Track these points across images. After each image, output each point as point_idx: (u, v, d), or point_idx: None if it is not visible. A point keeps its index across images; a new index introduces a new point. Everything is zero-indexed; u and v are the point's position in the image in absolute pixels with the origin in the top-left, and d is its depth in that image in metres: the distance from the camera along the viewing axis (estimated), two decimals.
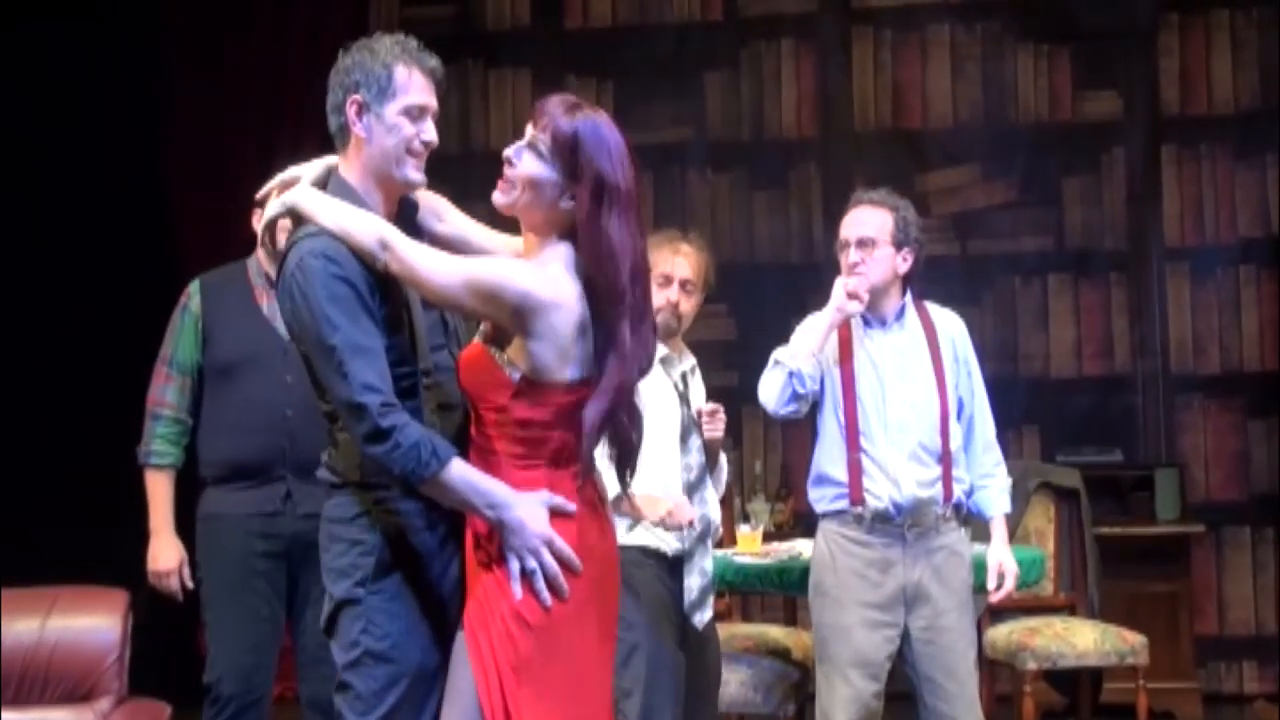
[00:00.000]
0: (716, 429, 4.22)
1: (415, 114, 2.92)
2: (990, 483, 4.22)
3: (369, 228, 2.79)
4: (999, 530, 4.23)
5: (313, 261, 2.78)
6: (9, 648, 3.89)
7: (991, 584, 4.17)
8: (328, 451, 2.96)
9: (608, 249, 2.77)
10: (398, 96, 2.91)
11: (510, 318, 2.75)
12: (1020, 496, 5.82)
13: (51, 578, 4.14)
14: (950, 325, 4.23)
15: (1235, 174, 7.11)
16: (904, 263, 4.14)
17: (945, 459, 4.07)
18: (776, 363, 4.08)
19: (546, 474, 2.82)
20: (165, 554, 4.17)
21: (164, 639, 4.28)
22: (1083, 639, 5.33)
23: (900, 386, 4.08)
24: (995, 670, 5.65)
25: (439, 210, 3.10)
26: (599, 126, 2.82)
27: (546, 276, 2.77)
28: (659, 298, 4.10)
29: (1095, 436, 6.96)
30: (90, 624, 4.00)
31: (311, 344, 2.80)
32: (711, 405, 4.24)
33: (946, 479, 4.06)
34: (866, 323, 4.14)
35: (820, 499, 4.15)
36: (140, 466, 4.20)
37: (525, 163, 2.81)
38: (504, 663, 2.75)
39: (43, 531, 5.88)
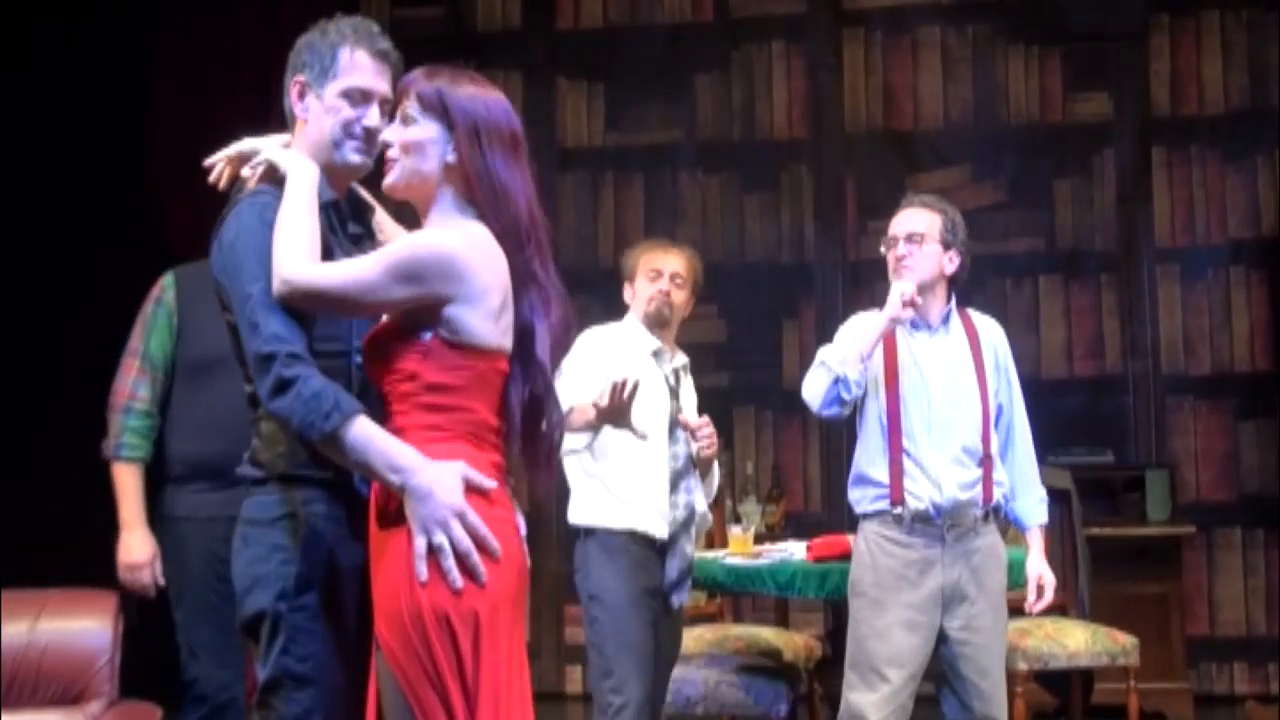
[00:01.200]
0: (711, 446, 4.32)
1: (356, 98, 2.81)
2: (1031, 492, 4.28)
3: (286, 247, 2.64)
4: (1036, 541, 4.29)
5: (249, 214, 2.73)
6: None
7: (1031, 597, 4.23)
8: (251, 446, 2.84)
9: (499, 186, 2.68)
10: (339, 78, 2.82)
11: (440, 286, 2.59)
12: None
13: (42, 580, 4.13)
14: (992, 332, 4.26)
15: (1225, 175, 7.12)
16: (950, 264, 4.17)
17: (986, 462, 4.12)
18: (823, 364, 4.10)
19: (468, 451, 2.62)
20: (138, 547, 4.14)
21: (155, 641, 4.26)
22: (1074, 640, 5.34)
23: (944, 390, 4.11)
24: None
25: (382, 224, 3.03)
26: (460, 80, 2.74)
27: (467, 234, 2.65)
28: (650, 289, 4.34)
29: (1086, 437, 6.96)
30: (81, 626, 3.99)
31: (232, 295, 2.72)
32: (699, 421, 4.33)
33: (987, 481, 4.11)
34: (913, 325, 4.16)
35: (860, 499, 4.17)
36: (107, 460, 4.16)
37: (401, 133, 2.72)
38: (428, 673, 2.52)
39: (33, 533, 5.86)
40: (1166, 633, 6.44)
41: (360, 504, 2.71)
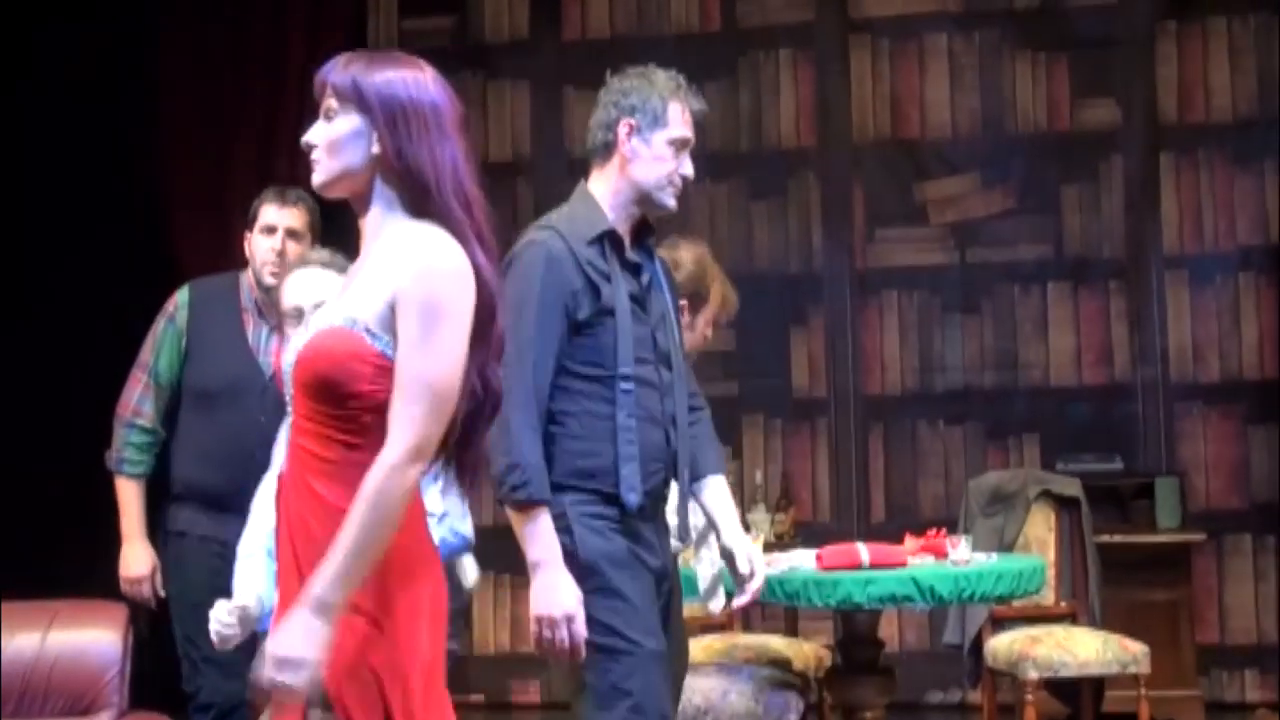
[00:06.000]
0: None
1: (679, 146, 3.21)
2: None
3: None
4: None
5: (531, 252, 3.05)
6: (9, 662, 3.89)
7: None
8: None
9: (419, 169, 2.44)
10: (668, 128, 3.20)
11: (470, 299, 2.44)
12: (1021, 505, 5.84)
13: (52, 591, 4.14)
14: None
15: (1234, 182, 7.11)
16: None
17: None
18: None
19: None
20: (137, 561, 4.19)
21: (165, 653, 4.27)
22: (1084, 648, 5.32)
23: None
24: (997, 679, 5.64)
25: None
26: (378, 63, 2.52)
27: (438, 237, 2.43)
28: None
29: (1095, 445, 6.95)
30: (91, 638, 4.00)
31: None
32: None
33: None
34: None
35: None
36: (110, 471, 4.21)
37: (322, 131, 2.51)
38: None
39: (43, 545, 5.87)
40: (1177, 640, 6.42)
41: (619, 504, 3.09)
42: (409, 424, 2.31)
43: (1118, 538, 6.48)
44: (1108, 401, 7.14)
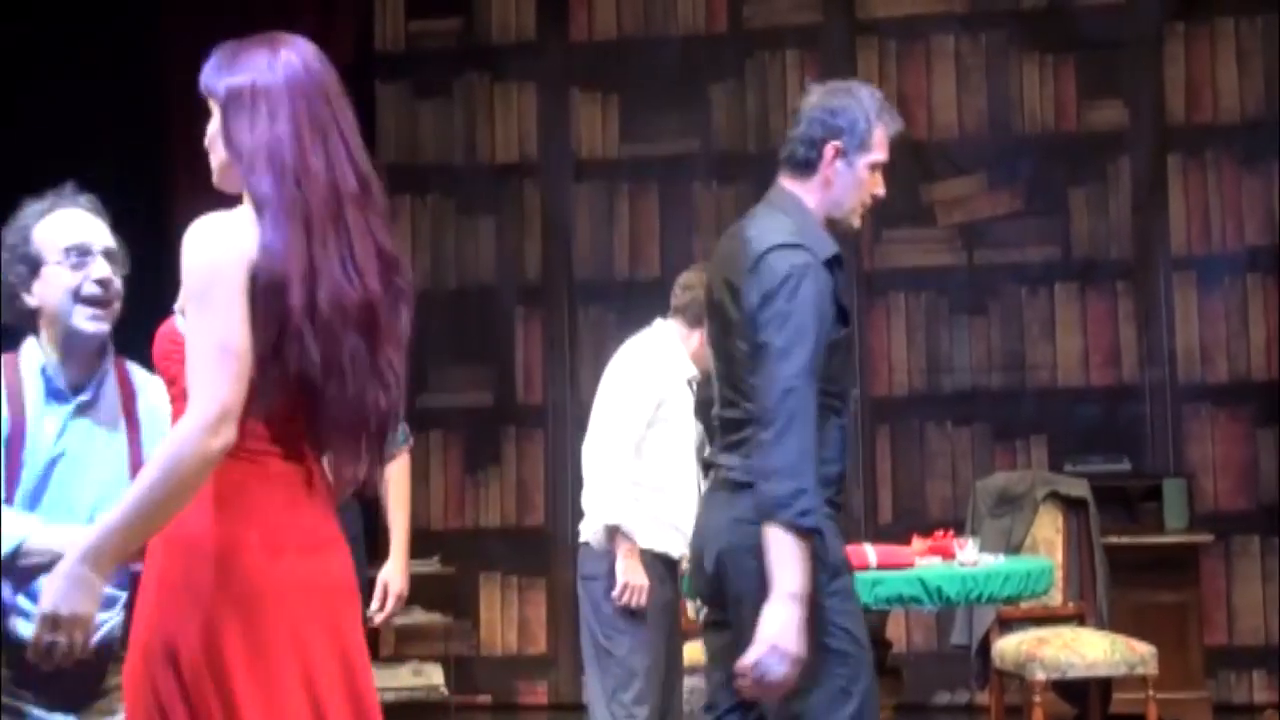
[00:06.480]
0: None
1: (877, 169, 3.18)
2: None
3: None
4: None
5: (811, 276, 2.99)
6: None
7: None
8: (741, 451, 3.05)
9: (239, 153, 2.39)
10: (871, 152, 3.16)
11: (238, 281, 2.36)
12: (1028, 506, 5.84)
13: None
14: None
15: (1242, 182, 7.10)
16: None
17: None
18: None
19: (281, 466, 2.36)
20: None
21: None
22: (1092, 649, 5.32)
23: None
24: (1004, 680, 5.64)
25: None
26: (239, 54, 2.50)
27: (204, 226, 2.37)
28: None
29: (1103, 446, 6.94)
30: None
31: (760, 341, 2.98)
32: None
33: None
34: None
35: None
36: None
37: (208, 129, 2.50)
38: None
39: None
40: (1185, 642, 6.42)
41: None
42: (195, 388, 2.26)
43: (1125, 539, 6.48)
44: (1115, 403, 7.13)
